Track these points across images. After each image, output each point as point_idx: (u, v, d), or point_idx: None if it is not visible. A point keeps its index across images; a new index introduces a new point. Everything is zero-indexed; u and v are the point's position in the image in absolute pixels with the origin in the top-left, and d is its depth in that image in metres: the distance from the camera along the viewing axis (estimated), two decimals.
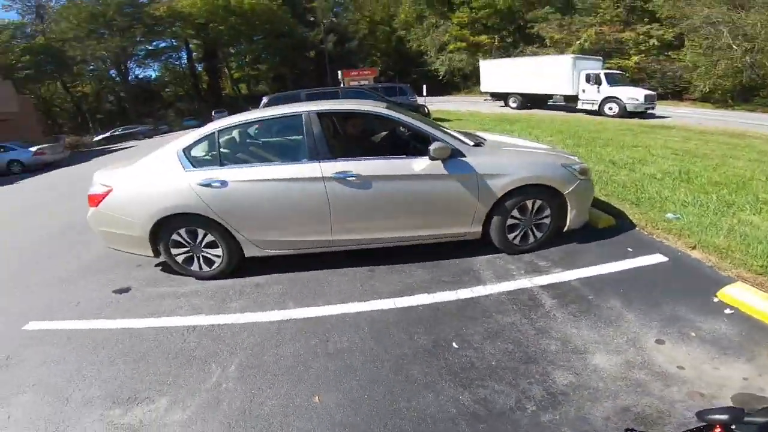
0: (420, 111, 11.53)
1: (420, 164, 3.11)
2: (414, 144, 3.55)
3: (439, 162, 3.08)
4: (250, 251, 3.32)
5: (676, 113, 16.97)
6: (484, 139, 3.75)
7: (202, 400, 2.13)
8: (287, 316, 2.85)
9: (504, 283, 3.07)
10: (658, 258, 3.26)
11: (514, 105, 19.92)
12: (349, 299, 2.99)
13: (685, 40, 23.99)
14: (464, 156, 3.14)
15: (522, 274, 3.17)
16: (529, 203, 3.28)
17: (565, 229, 3.45)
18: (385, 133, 4.58)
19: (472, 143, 3.36)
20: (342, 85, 15.96)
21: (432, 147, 3.01)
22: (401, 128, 4.05)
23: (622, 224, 3.92)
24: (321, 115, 3.26)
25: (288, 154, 3.53)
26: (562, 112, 16.57)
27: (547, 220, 3.39)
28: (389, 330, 2.61)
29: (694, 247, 3.37)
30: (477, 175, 3.11)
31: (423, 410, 1.96)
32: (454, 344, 2.43)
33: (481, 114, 15.73)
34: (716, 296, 2.70)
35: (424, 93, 16.54)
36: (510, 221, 3.31)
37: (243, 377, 2.28)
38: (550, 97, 19.01)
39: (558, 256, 3.42)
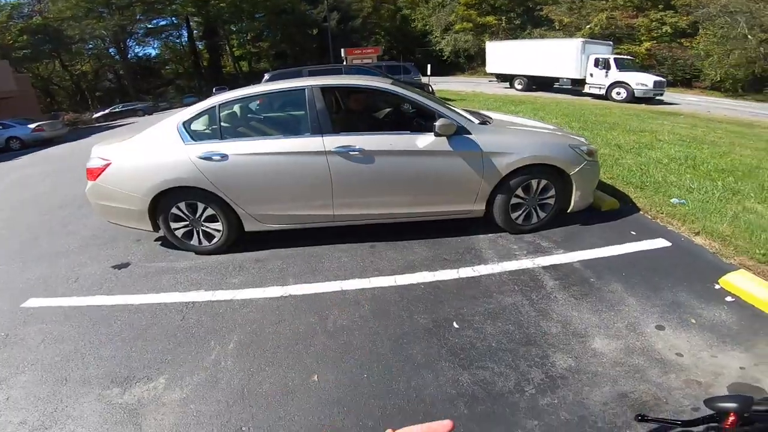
0: (424, 89, 11.31)
1: (424, 140, 3.06)
2: (418, 121, 3.49)
3: (444, 139, 3.03)
4: (250, 225, 3.30)
5: (685, 100, 16.70)
6: (491, 118, 3.70)
7: (200, 379, 2.11)
8: (287, 292, 2.84)
9: (506, 262, 3.05)
10: (661, 243, 3.23)
11: (519, 87, 19.61)
12: (349, 276, 2.97)
13: (699, 29, 23.37)
14: (470, 133, 3.09)
15: (524, 254, 3.15)
16: (534, 183, 3.25)
17: (569, 210, 3.42)
18: (389, 109, 4.50)
19: (477, 121, 3.31)
20: (345, 63, 15.63)
21: (437, 123, 2.97)
22: (406, 105, 4.00)
23: (625, 208, 3.89)
24: (324, 89, 3.19)
25: (290, 128, 3.48)
26: (568, 96, 16.32)
27: (551, 201, 3.36)
28: (389, 308, 2.60)
29: (697, 233, 3.33)
30: (482, 152, 3.07)
31: (421, 390, 1.95)
32: (454, 324, 2.42)
33: (485, 95, 15.50)
34: (718, 283, 2.68)
35: (428, 72, 16.28)
36: (514, 200, 3.28)
37: (242, 355, 2.26)
38: (557, 80, 18.69)
39: (561, 237, 3.39)
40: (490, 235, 3.46)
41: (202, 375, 2.15)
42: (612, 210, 3.83)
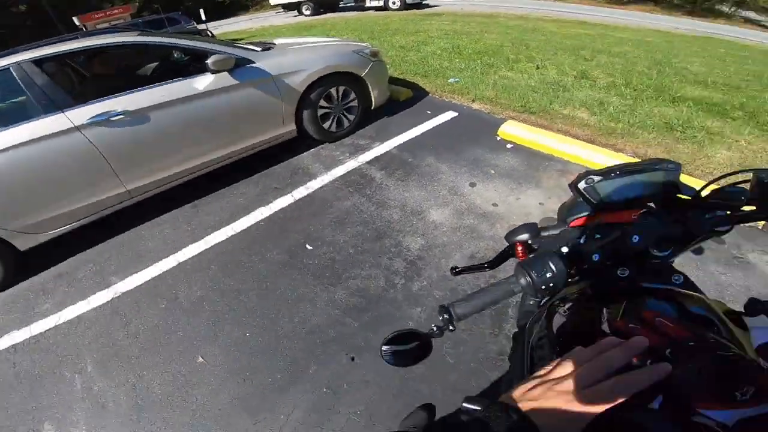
0: (202, 36, 9.92)
1: (203, 81, 2.73)
2: (195, 65, 3.07)
3: (225, 74, 2.78)
4: (24, 242, 2.41)
5: (444, 2, 19.12)
6: (273, 43, 3.54)
7: (85, 411, 1.70)
8: (116, 291, 2.30)
9: (334, 169, 3.12)
10: (450, 114, 3.81)
11: (308, 13, 19.00)
12: (180, 246, 2.57)
13: None
14: (253, 62, 2.92)
15: (348, 157, 3.28)
16: (333, 91, 3.32)
17: (373, 107, 3.65)
18: (155, 63, 3.77)
19: (260, 49, 3.16)
20: (85, 31, 11.90)
21: (210, 61, 2.68)
22: (177, 54, 3.56)
23: (418, 94, 4.39)
24: (39, 62, 2.38)
25: (14, 117, 2.50)
26: (354, 13, 16.66)
27: (354, 103, 3.52)
28: (239, 258, 2.39)
29: (473, 101, 4.06)
30: (272, 76, 2.96)
31: (307, 323, 1.91)
32: (307, 246, 2.40)
33: (275, 26, 14.52)
34: (498, 134, 3.37)
35: (203, 18, 14.09)
36: (320, 111, 3.32)
37: (109, 372, 1.85)
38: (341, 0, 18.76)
39: (374, 131, 3.64)
40: (312, 150, 3.45)
41: (84, 405, 1.70)
42: (408, 98, 4.28)
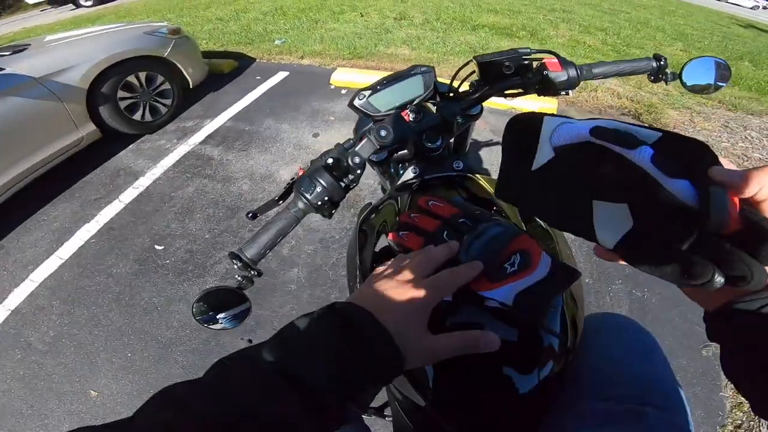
0: None
1: None
2: None
3: None
4: None
5: None
6: (28, 44, 2.94)
7: None
8: None
9: (163, 160, 2.75)
10: (282, 75, 3.68)
11: (88, 3, 15.59)
12: (3, 293, 2.01)
13: None
14: (2, 69, 2.42)
15: (176, 143, 2.91)
16: (132, 79, 2.90)
17: (191, 85, 3.29)
18: None
19: (8, 53, 2.68)
20: None
21: None
22: None
23: (244, 63, 4.11)
24: None
25: None
26: None
27: (166, 86, 3.11)
28: (80, 285, 1.99)
29: (302, 57, 3.99)
30: (36, 79, 2.47)
31: (188, 323, 1.72)
32: (157, 247, 2.10)
33: (45, 25, 11.57)
34: (330, 83, 3.39)
35: None
36: (122, 103, 2.87)
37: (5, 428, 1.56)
38: None
39: (201, 110, 3.30)
40: (130, 146, 2.96)
41: None
42: (234, 69, 3.97)
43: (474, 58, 0.73)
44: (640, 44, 5.40)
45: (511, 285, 0.41)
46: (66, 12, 15.17)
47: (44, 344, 1.78)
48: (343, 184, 0.58)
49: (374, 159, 0.83)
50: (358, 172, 0.61)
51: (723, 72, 0.79)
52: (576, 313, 0.51)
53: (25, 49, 2.78)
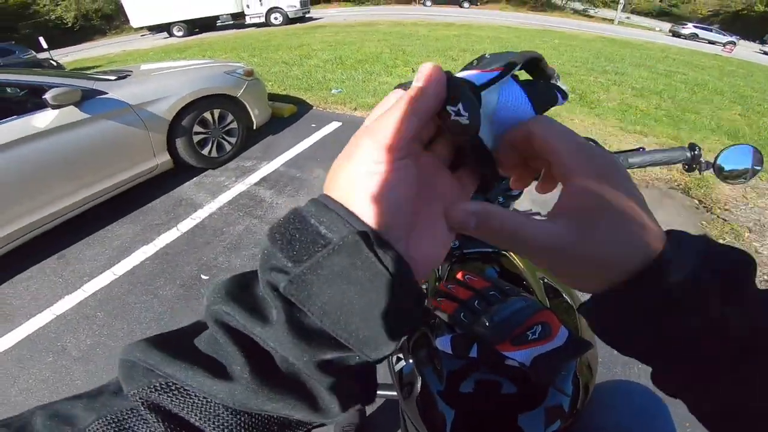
0: (43, 67, 8.95)
1: (44, 118, 2.46)
2: (32, 101, 2.77)
3: (71, 108, 2.53)
4: None
5: (327, 14, 19.56)
6: (130, 71, 3.30)
7: None
8: None
9: (221, 196, 3.03)
10: (335, 125, 3.97)
11: (179, 34, 17.68)
12: (54, 299, 2.28)
13: None
14: (105, 93, 2.72)
15: (234, 181, 3.21)
16: (207, 115, 3.23)
17: (255, 126, 3.62)
18: None
19: (113, 77, 2.95)
20: None
21: (48, 95, 2.42)
22: (8, 89, 3.10)
23: (302, 109, 4.47)
24: None
25: None
26: (233, 31, 16.04)
27: (234, 125, 3.45)
28: (127, 301, 2.20)
29: (355, 109, 4.28)
30: (132, 106, 2.78)
31: None
32: (203, 276, 2.30)
33: (141, 50, 13.25)
34: None
35: (45, 46, 12.39)
36: (196, 138, 3.19)
37: None
38: (218, 18, 17.86)
39: (259, 152, 3.61)
40: (194, 179, 3.29)
41: None
42: (293, 114, 4.33)
43: None
44: (696, 108, 5.26)
45: (530, 349, 0.50)
46: (160, 39, 17.28)
47: (78, 351, 1.97)
48: None
49: None
50: None
51: (758, 156, 0.78)
52: (589, 379, 0.58)
53: (127, 76, 3.08)
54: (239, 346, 0.19)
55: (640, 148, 0.80)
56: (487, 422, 0.52)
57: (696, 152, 0.79)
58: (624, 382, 0.62)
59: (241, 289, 0.21)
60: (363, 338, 0.19)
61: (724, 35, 20.76)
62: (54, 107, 2.46)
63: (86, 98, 2.59)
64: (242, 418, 0.19)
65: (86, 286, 2.36)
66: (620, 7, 25.09)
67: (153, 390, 0.18)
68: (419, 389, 0.57)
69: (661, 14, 37.43)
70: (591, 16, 26.41)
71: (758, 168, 0.78)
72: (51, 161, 2.48)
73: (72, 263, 2.55)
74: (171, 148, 3.07)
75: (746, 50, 17.67)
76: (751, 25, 30.36)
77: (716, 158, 0.79)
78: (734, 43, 16.48)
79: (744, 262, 0.21)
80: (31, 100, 2.82)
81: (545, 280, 0.72)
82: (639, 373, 1.63)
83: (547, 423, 0.51)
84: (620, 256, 0.21)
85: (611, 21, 24.41)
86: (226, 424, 0.18)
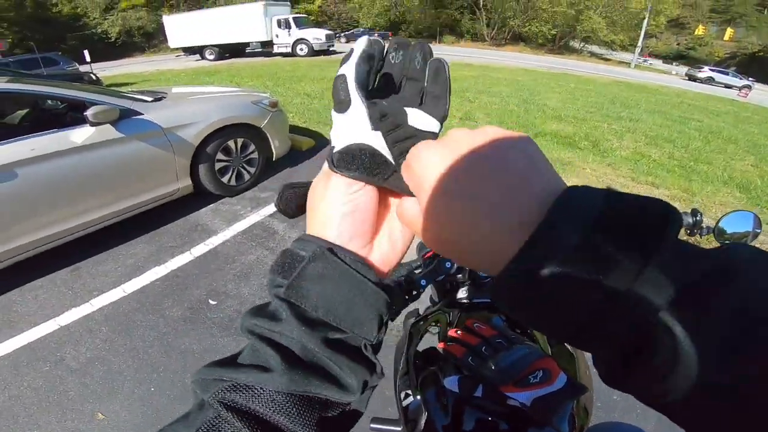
0: (83, 80, 9.34)
1: (82, 134, 2.59)
2: (72, 115, 2.90)
3: (108, 126, 2.65)
4: None
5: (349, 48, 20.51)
6: (166, 93, 3.44)
7: None
8: None
9: (236, 224, 3.12)
10: None
11: (211, 57, 18.77)
12: (60, 310, 2.35)
13: None
14: (141, 114, 2.83)
15: (249, 211, 3.31)
16: (231, 143, 3.34)
17: (274, 158, 3.75)
18: (24, 111, 3.44)
19: (150, 99, 3.07)
20: None
21: (89, 112, 2.55)
22: (51, 102, 3.28)
23: (321, 143, 4.63)
24: None
25: None
26: (261, 58, 16.90)
27: (255, 155, 3.57)
28: (133, 318, 2.27)
29: None
30: (164, 129, 2.89)
31: None
32: (210, 301, 2.35)
33: (174, 71, 13.99)
34: None
35: (88, 59, 13.16)
36: (218, 165, 3.30)
37: None
38: (248, 44, 18.88)
39: (276, 183, 3.74)
40: (211, 206, 3.41)
41: None
42: (311, 147, 4.49)
43: None
44: (709, 158, 5.24)
45: (531, 392, 0.56)
46: (192, 62, 18.26)
47: (77, 363, 2.01)
48: (408, 297, 0.74)
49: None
50: (422, 290, 0.75)
51: (758, 221, 0.80)
52: (585, 421, 0.64)
53: (162, 98, 3.19)
54: (270, 345, 0.25)
55: None
56: None
57: (698, 218, 0.81)
58: (618, 423, 0.66)
59: (260, 309, 0.28)
60: (349, 320, 0.26)
61: (740, 78, 20.90)
62: (93, 124, 2.57)
63: (122, 117, 2.71)
64: (291, 399, 0.24)
65: (94, 300, 2.43)
66: (637, 50, 25.60)
67: (224, 391, 0.24)
68: (423, 424, 0.63)
69: (678, 57, 37.98)
70: (608, 59, 26.95)
71: (758, 231, 0.80)
72: (82, 176, 2.59)
73: (84, 277, 2.64)
74: (193, 173, 3.16)
75: (762, 94, 17.66)
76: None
77: (717, 223, 0.82)
78: (750, 87, 16.52)
79: (657, 216, 0.18)
80: (70, 114, 2.95)
81: None
82: (638, 418, 1.62)
83: None
84: (476, 247, 0.21)
85: (628, 64, 24.85)
86: (280, 404, 0.24)
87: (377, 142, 0.28)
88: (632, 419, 1.62)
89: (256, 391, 0.24)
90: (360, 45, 0.29)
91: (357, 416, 0.30)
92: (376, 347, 0.29)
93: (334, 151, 0.28)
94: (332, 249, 0.27)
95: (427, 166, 0.24)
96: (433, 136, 0.29)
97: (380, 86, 0.31)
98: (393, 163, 0.28)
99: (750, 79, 21.14)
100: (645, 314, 0.17)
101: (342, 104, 0.28)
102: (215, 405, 0.23)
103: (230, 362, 0.27)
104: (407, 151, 0.27)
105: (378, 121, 0.27)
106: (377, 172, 0.28)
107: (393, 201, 0.31)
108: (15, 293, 2.53)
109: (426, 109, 0.29)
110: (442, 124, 0.30)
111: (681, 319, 0.16)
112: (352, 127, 0.28)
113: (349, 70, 0.28)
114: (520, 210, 0.20)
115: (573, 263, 0.17)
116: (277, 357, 0.25)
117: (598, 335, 0.18)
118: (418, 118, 0.29)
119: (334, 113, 0.29)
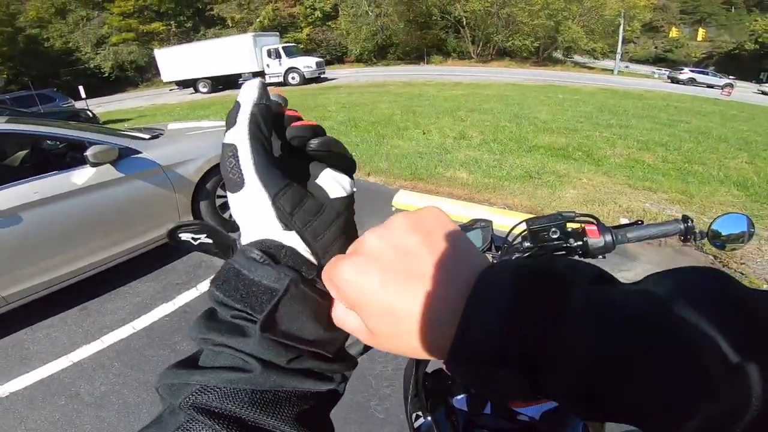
0: (80, 117, 9.43)
1: (82, 175, 2.60)
2: (71, 155, 2.95)
3: (107, 166, 2.67)
4: None
5: (341, 74, 20.92)
6: (162, 130, 3.46)
7: None
8: (4, 392, 2.10)
9: None
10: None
11: (204, 90, 19.11)
12: (72, 347, 2.37)
13: (339, 11, 29.07)
14: (140, 152, 2.84)
15: None
16: None
17: None
18: (24, 152, 3.47)
19: (147, 136, 3.09)
20: None
21: (88, 153, 2.56)
22: (47, 142, 3.29)
23: None
24: None
25: None
26: None
27: None
28: (145, 353, 2.28)
29: (369, 174, 4.47)
30: (162, 167, 2.89)
31: None
32: None
33: (169, 105, 14.24)
34: (392, 205, 3.72)
35: (83, 95, 13.30)
36: (219, 201, 3.30)
37: None
38: (240, 75, 19.27)
39: None
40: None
41: None
42: None
43: (525, 221, 0.84)
44: (702, 159, 5.32)
45: (540, 406, 0.55)
46: (186, 95, 18.61)
47: (92, 397, 2.01)
48: None
49: None
50: None
51: (750, 222, 0.80)
52: (600, 431, 0.63)
53: (159, 135, 3.19)
54: (240, 353, 0.24)
55: (639, 221, 0.85)
56: None
57: (689, 224, 0.82)
58: None
59: (219, 320, 0.25)
60: (320, 342, 0.24)
61: (721, 77, 21.39)
62: (93, 164, 2.59)
63: (122, 156, 2.72)
64: (268, 395, 0.23)
65: (105, 337, 2.44)
66: (618, 56, 26.33)
67: (194, 395, 0.23)
68: None
69: (657, 60, 38.97)
70: (591, 68, 27.64)
71: (753, 231, 0.81)
72: (85, 218, 2.61)
73: (93, 315, 2.65)
74: (194, 210, 3.16)
75: (744, 92, 18.07)
76: (745, 65, 31.29)
77: (710, 227, 0.82)
78: (732, 86, 16.86)
79: (559, 281, 0.20)
80: (70, 154, 2.99)
81: None
82: None
83: None
84: (415, 350, 0.22)
85: (611, 71, 25.49)
86: (256, 401, 0.23)
87: (291, 241, 0.24)
88: None
89: (228, 392, 0.23)
90: (248, 96, 0.25)
91: (336, 399, 0.28)
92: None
93: (244, 243, 0.25)
94: (304, 278, 0.24)
95: (344, 286, 0.22)
96: (349, 199, 0.28)
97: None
98: (317, 264, 0.25)
99: (730, 77, 21.64)
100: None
101: (236, 187, 0.24)
102: (187, 410, 0.22)
103: (192, 364, 0.25)
104: (330, 246, 0.25)
105: (289, 217, 0.24)
106: (308, 274, 0.25)
107: None
108: (26, 332, 2.54)
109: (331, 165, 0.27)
110: (353, 180, 0.28)
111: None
112: (254, 221, 0.25)
113: (241, 138, 0.24)
114: (447, 306, 0.21)
115: (493, 352, 0.19)
116: (251, 360, 0.23)
117: (550, 394, 0.20)
118: (328, 181, 0.27)
119: (228, 193, 0.25)
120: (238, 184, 0.24)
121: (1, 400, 2.06)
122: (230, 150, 0.24)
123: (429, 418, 0.67)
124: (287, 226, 0.24)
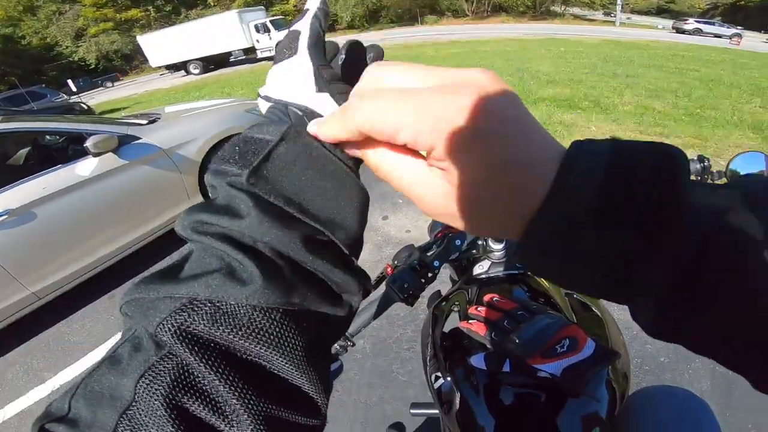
0: (75, 110, 9.31)
1: (87, 166, 2.59)
2: (73, 148, 2.94)
3: (110, 155, 2.65)
4: None
5: (335, 41, 20.27)
6: (159, 114, 3.44)
7: None
8: (54, 385, 2.16)
9: None
10: None
11: (196, 71, 18.61)
12: (107, 335, 2.42)
13: None
14: (139, 138, 2.82)
15: None
16: None
17: None
18: (26, 149, 3.45)
19: (145, 122, 3.07)
20: None
21: (89, 143, 2.53)
22: (48, 136, 3.31)
23: None
24: None
25: None
26: (246, 66, 16.75)
27: None
28: None
29: None
30: (164, 150, 2.88)
31: None
32: None
33: (162, 90, 13.91)
34: None
35: (74, 89, 13.12)
36: None
37: None
38: (230, 53, 18.73)
39: None
40: None
41: None
42: None
43: None
44: (715, 104, 5.16)
45: (560, 361, 0.54)
46: (178, 78, 18.17)
47: None
48: (424, 281, 0.73)
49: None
50: (437, 272, 0.75)
51: None
52: (625, 387, 0.62)
53: (156, 119, 3.15)
54: (235, 247, 0.19)
55: None
56: (527, 430, 0.56)
57: (705, 164, 0.80)
58: (665, 386, 0.64)
59: (205, 206, 0.21)
60: (328, 217, 0.21)
61: (728, 28, 20.51)
62: (95, 155, 2.57)
63: (122, 144, 2.70)
64: (272, 317, 0.18)
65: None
66: (619, 7, 25.14)
67: (177, 313, 0.17)
68: (458, 404, 0.62)
69: (660, 11, 37.28)
70: (592, 20, 26.51)
71: None
72: (96, 208, 2.61)
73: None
74: (202, 189, 3.14)
75: (753, 41, 17.38)
76: (753, 16, 29.90)
77: (728, 165, 0.79)
78: (740, 36, 16.25)
79: (668, 157, 0.17)
80: (71, 147, 2.97)
81: (574, 296, 0.76)
82: (690, 379, 1.61)
83: (585, 430, 0.54)
84: (498, 207, 0.18)
85: (612, 23, 24.44)
86: (257, 325, 0.18)
87: (320, 105, 0.24)
88: (684, 382, 1.61)
89: (227, 309, 0.17)
90: (314, 3, 0.27)
91: (345, 328, 0.25)
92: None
93: (264, 96, 0.26)
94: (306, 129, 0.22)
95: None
96: None
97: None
98: None
99: (738, 27, 20.74)
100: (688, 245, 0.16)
101: (284, 55, 0.26)
102: (169, 340, 0.16)
103: (173, 275, 0.19)
104: None
105: (326, 83, 0.25)
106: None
107: None
108: (63, 324, 2.60)
109: None
110: None
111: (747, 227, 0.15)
112: (292, 82, 0.25)
113: (304, 26, 0.26)
114: (542, 157, 0.18)
115: (586, 214, 0.17)
116: (247, 261, 0.18)
117: (636, 281, 0.17)
118: None
119: (273, 65, 0.26)
120: (290, 54, 0.25)
121: (51, 394, 2.12)
122: (294, 34, 0.26)
123: (449, 378, 0.66)
124: (320, 89, 0.24)
